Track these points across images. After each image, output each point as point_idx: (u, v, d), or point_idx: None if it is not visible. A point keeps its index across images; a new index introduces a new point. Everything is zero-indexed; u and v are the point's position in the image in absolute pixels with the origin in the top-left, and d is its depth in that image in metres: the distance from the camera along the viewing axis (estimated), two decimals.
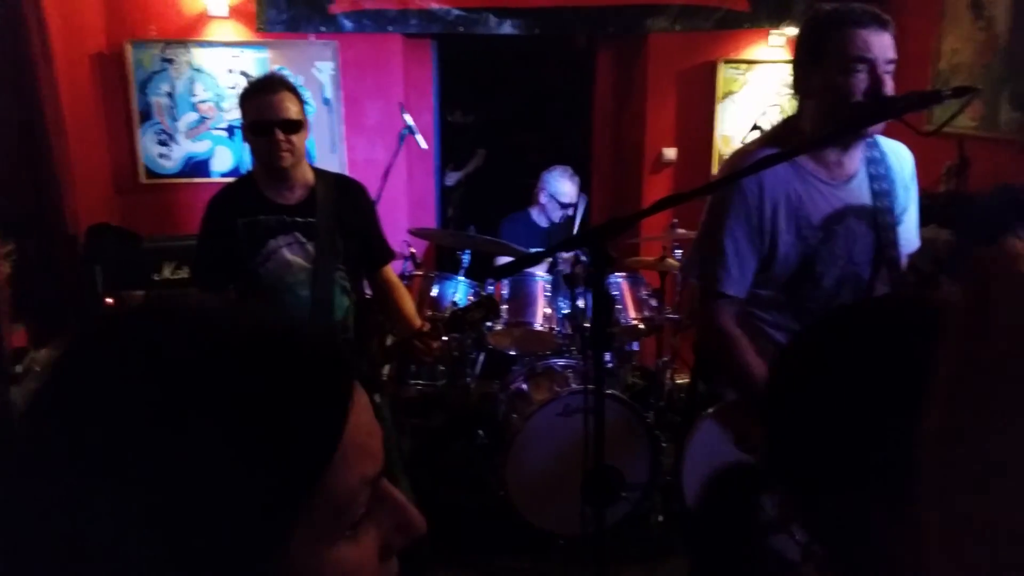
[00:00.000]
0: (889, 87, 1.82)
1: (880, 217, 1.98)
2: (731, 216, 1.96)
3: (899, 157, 2.06)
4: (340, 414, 0.55)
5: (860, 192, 1.99)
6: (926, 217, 3.63)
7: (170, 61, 4.39)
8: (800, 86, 1.98)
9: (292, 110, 2.42)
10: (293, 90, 2.46)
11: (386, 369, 3.56)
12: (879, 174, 2.00)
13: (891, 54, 1.83)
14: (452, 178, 6.01)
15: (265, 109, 2.38)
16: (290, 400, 0.52)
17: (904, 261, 2.09)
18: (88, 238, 3.66)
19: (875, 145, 2.02)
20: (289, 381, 0.53)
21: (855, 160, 2.00)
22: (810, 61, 1.91)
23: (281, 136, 2.39)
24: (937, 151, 3.97)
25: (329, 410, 0.54)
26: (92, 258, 3.64)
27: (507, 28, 4.64)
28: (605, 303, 1.63)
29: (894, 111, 1.77)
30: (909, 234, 2.10)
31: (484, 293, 3.63)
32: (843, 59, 1.82)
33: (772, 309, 2.05)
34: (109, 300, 3.64)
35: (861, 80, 1.81)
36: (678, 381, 4.10)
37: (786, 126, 2.07)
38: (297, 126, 2.43)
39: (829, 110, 1.89)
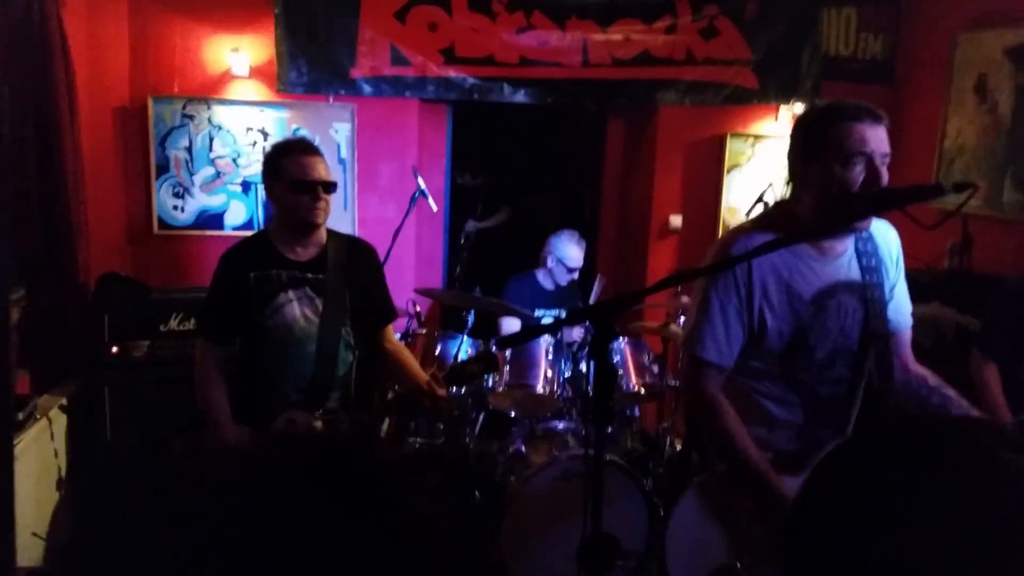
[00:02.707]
0: (884, 179, 1.87)
1: (869, 292, 2.03)
2: (720, 290, 2.01)
3: (885, 236, 2.11)
4: None
5: (849, 268, 2.04)
6: (930, 294, 3.66)
7: (191, 117, 4.51)
8: (797, 178, 2.03)
9: (327, 172, 2.59)
10: (322, 155, 2.63)
11: (385, 424, 3.57)
12: (867, 251, 2.05)
13: (886, 148, 1.89)
14: (471, 225, 6.02)
15: (311, 169, 2.53)
16: None
17: (905, 334, 2.14)
18: (98, 287, 3.72)
19: None
20: None
21: (846, 239, 2.05)
22: (808, 154, 1.96)
23: (322, 195, 2.53)
24: (941, 230, 4.00)
25: None
26: (101, 307, 3.69)
27: (521, 97, 4.76)
28: (608, 376, 1.66)
29: (896, 203, 1.82)
30: (900, 308, 2.15)
31: (484, 349, 3.64)
32: (842, 152, 1.87)
33: (765, 379, 2.09)
34: (114, 348, 3.67)
35: (859, 172, 1.86)
36: (679, 448, 4.06)
37: (779, 209, 2.13)
38: (334, 187, 2.60)
39: (828, 201, 1.93)
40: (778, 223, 2.02)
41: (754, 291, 1.99)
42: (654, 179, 5.05)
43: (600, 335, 1.60)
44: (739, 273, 1.99)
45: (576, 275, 4.43)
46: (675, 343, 4.00)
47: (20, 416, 3.00)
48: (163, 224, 4.55)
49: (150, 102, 4.43)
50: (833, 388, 2.08)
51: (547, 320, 4.25)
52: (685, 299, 3.86)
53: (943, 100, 4.61)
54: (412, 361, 2.81)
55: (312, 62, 4.52)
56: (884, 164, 1.88)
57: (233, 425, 2.54)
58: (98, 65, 4.08)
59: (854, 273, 2.03)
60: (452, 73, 4.65)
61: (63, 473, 3.38)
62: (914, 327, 2.19)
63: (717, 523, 2.05)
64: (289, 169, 2.52)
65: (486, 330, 3.89)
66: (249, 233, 2.86)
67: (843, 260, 2.03)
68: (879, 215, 1.91)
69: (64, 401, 3.41)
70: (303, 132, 4.57)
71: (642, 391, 3.67)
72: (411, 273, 4.90)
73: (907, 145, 4.64)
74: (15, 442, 2.88)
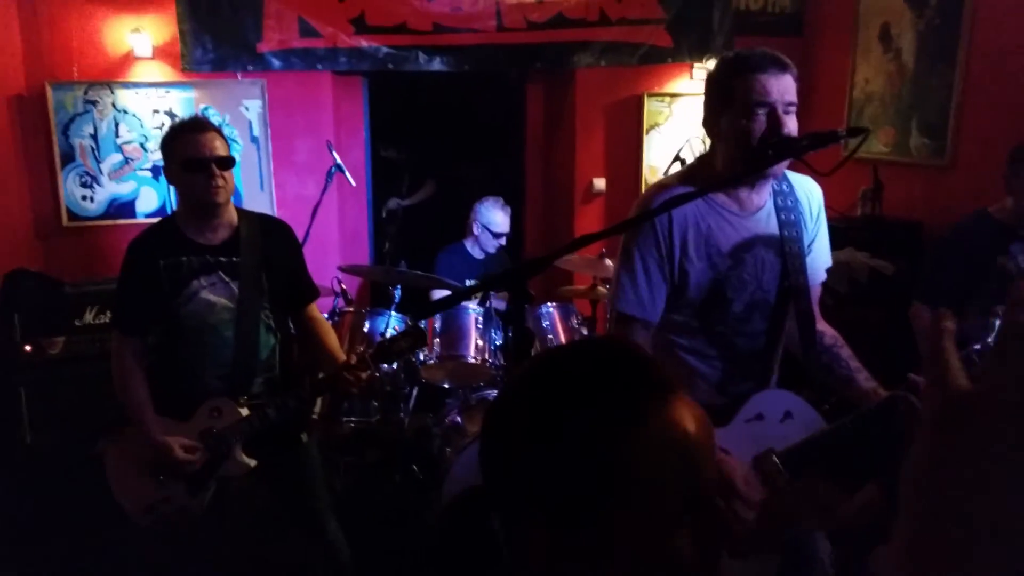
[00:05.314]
0: (788, 127, 1.89)
1: (787, 246, 2.06)
2: (643, 246, 2.03)
3: (806, 190, 2.15)
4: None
5: (768, 223, 2.07)
6: (843, 240, 3.76)
7: (94, 103, 4.33)
8: (710, 130, 2.05)
9: (222, 148, 2.47)
10: (219, 130, 2.51)
11: (318, 406, 3.53)
12: (786, 206, 2.08)
13: (790, 96, 1.90)
14: (393, 203, 5.96)
15: (199, 147, 2.41)
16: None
17: (815, 289, 2.19)
18: (5, 284, 3.57)
19: (783, 179, 2.10)
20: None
21: (763, 193, 2.08)
22: (717, 106, 1.99)
23: (217, 172, 2.42)
24: (853, 177, 4.13)
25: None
26: (10, 305, 3.54)
27: (437, 65, 4.70)
28: (524, 340, 1.65)
29: (795, 151, 1.85)
30: (818, 262, 2.19)
31: (412, 324, 3.62)
32: (745, 104, 1.90)
33: (685, 333, 2.12)
34: (27, 347, 3.54)
35: (761, 123, 1.89)
36: None
37: (700, 163, 2.15)
38: (230, 163, 2.48)
39: (737, 152, 1.96)
40: (698, 176, 2.04)
41: (674, 244, 2.01)
42: (575, 142, 5.06)
43: (515, 300, 1.59)
44: (659, 227, 2.00)
45: (503, 241, 4.43)
46: (603, 305, 4.05)
47: None
48: (72, 215, 4.39)
49: (48, 88, 4.24)
50: (750, 341, 2.11)
51: None
52: (609, 262, 3.89)
53: (851, 49, 4.71)
54: (332, 341, 2.76)
55: (217, 38, 4.37)
56: (789, 112, 1.90)
57: (156, 418, 2.48)
58: None
59: (772, 227, 2.06)
60: (364, 43, 4.55)
61: None
62: (829, 272, 2.24)
63: None
64: (181, 149, 2.42)
65: (414, 305, 3.86)
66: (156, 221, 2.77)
67: (761, 215, 2.06)
68: (780, 162, 1.94)
69: None
70: (212, 112, 4.44)
71: None
72: (335, 250, 4.83)
73: (818, 95, 4.74)
74: None
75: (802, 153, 1.83)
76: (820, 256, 2.19)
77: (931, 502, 0.51)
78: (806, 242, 2.12)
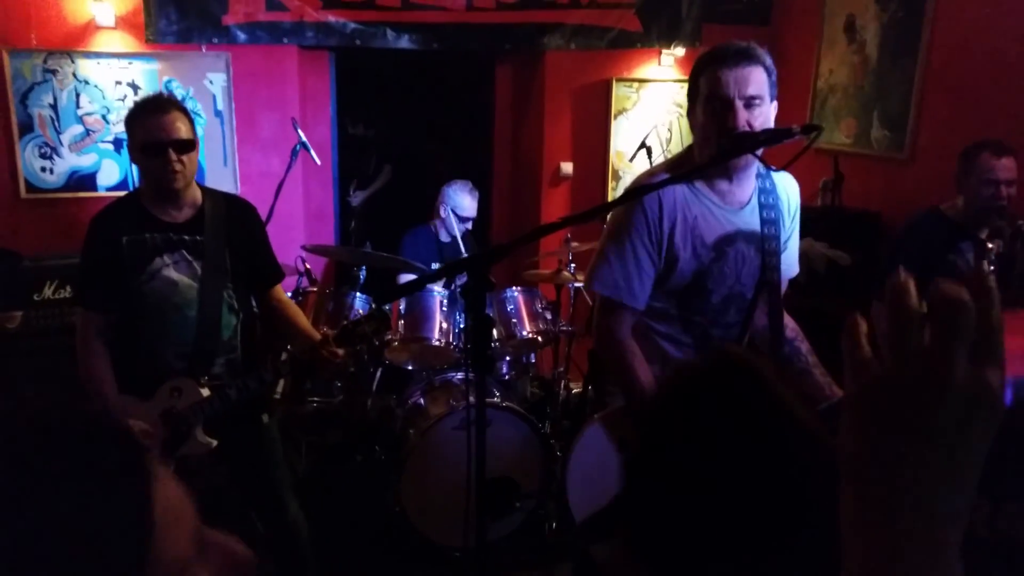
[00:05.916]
0: (742, 121, 1.91)
1: (767, 243, 2.11)
2: (634, 232, 2.06)
3: (787, 189, 2.20)
4: (144, 496, 0.56)
5: (751, 219, 2.11)
6: (802, 230, 3.82)
7: (53, 72, 4.24)
8: (690, 121, 2.12)
9: (184, 130, 2.39)
10: (184, 109, 2.44)
11: (280, 386, 3.53)
12: (768, 203, 2.12)
13: (752, 90, 1.92)
14: (358, 197, 5.97)
15: (158, 129, 2.34)
16: (92, 500, 0.54)
17: (784, 286, 2.25)
18: None
19: (766, 176, 2.14)
20: (83, 481, 0.54)
21: (747, 189, 2.11)
22: (691, 98, 2.06)
23: (174, 157, 2.36)
24: (814, 167, 4.20)
25: (132, 497, 0.56)
26: None
27: (405, 43, 4.66)
28: (485, 327, 1.68)
29: (749, 146, 1.88)
30: (791, 260, 2.26)
31: (376, 307, 3.62)
32: (703, 98, 1.98)
33: (663, 320, 2.17)
34: None
35: (716, 117, 1.95)
36: (574, 391, 4.18)
37: (688, 152, 2.19)
38: (190, 146, 2.41)
39: (702, 144, 2.03)
40: (684, 165, 2.10)
41: (663, 232, 2.05)
42: (544, 125, 5.07)
43: (477, 287, 1.61)
44: (650, 214, 2.04)
45: (469, 225, 4.43)
46: (568, 289, 4.08)
47: None
48: (31, 187, 4.30)
49: (5, 56, 4.14)
50: (724, 332, 2.17)
51: None
52: (576, 244, 3.92)
53: (816, 40, 4.77)
54: (303, 319, 2.76)
55: (182, 9, 4.30)
56: (751, 106, 1.92)
57: (117, 396, 2.47)
58: None
59: (755, 224, 2.10)
60: (331, 18, 4.50)
61: None
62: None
63: (616, 456, 2.12)
64: (139, 131, 2.37)
65: (379, 286, 3.86)
66: (121, 194, 2.72)
67: (746, 210, 2.10)
68: (737, 156, 1.98)
69: None
70: (175, 84, 4.37)
71: (537, 338, 3.74)
72: (300, 229, 4.80)
73: (783, 85, 4.76)
74: None
75: (756, 148, 1.87)
76: (793, 253, 2.26)
77: (862, 470, 0.57)
78: (783, 239, 2.17)
